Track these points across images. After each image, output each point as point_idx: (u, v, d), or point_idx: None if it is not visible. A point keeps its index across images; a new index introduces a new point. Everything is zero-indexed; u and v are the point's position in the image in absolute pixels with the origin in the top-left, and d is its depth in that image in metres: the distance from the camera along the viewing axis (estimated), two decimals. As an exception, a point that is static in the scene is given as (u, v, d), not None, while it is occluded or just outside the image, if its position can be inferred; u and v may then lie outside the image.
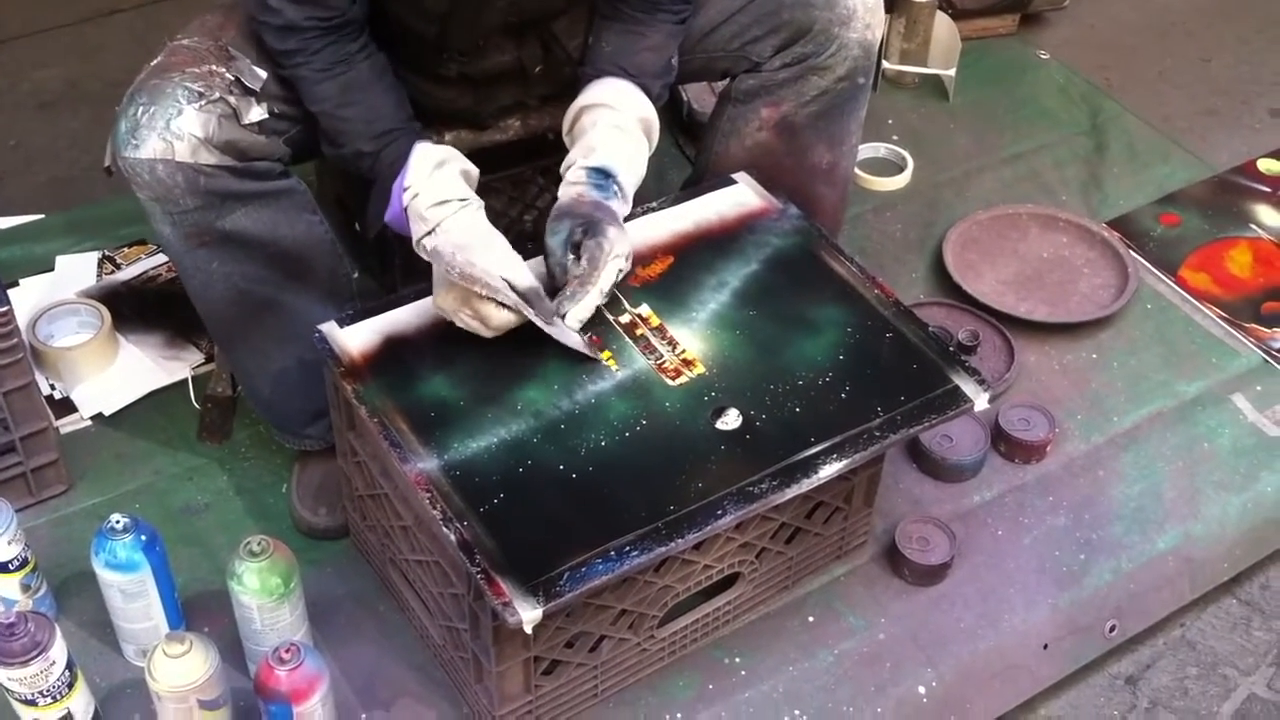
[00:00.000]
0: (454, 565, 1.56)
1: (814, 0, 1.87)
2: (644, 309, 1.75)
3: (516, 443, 1.59)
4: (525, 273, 1.65)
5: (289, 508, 1.93)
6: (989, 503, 2.00)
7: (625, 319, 1.73)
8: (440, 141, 1.79)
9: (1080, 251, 2.41)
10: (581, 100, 1.79)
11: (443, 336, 1.68)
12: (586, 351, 1.68)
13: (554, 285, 1.71)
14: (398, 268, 2.14)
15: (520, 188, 2.14)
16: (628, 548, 1.49)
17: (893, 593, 1.88)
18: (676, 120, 2.61)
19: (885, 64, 2.70)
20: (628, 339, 1.71)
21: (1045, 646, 1.87)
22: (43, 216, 2.43)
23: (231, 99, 1.66)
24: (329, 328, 1.69)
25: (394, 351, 1.68)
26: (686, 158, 2.58)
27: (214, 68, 1.68)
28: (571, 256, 1.70)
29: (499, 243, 1.66)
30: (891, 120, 2.69)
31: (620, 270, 1.72)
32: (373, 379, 1.64)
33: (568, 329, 1.68)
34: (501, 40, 1.82)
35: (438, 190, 1.65)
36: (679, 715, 1.73)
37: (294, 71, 1.69)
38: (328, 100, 1.69)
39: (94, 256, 2.33)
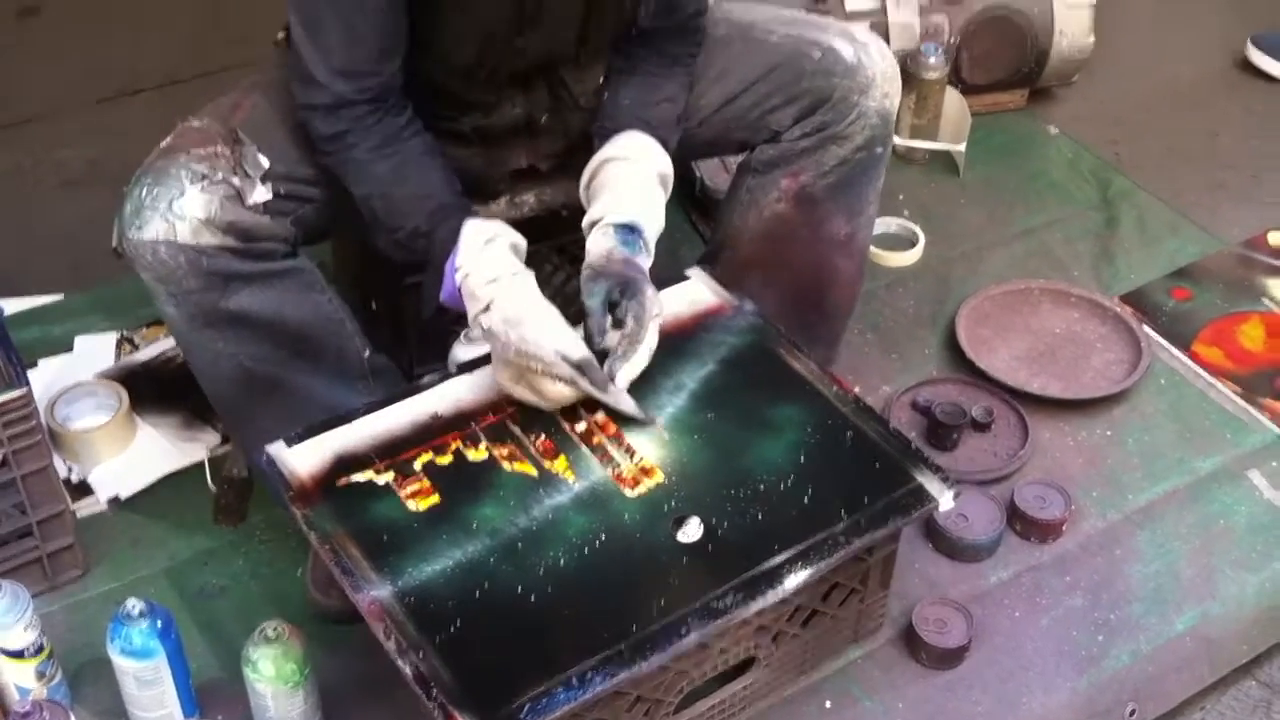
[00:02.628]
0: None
1: (834, 69, 1.90)
2: (600, 415, 1.74)
3: (472, 564, 1.57)
4: (578, 344, 1.66)
5: (304, 591, 1.93)
6: (1006, 583, 1.99)
7: (581, 427, 1.72)
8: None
9: (1093, 326, 2.41)
10: (602, 154, 1.81)
11: (394, 452, 1.68)
12: (640, 416, 1.70)
13: (593, 345, 1.71)
14: (413, 346, 2.15)
15: (534, 265, 2.15)
16: (590, 673, 1.47)
17: (910, 676, 1.86)
18: (690, 196, 2.63)
19: (896, 139, 2.71)
20: (584, 448, 1.70)
21: (1064, 730, 1.86)
22: (62, 297, 2.45)
23: (235, 180, 1.69)
24: (276, 449, 1.68)
25: (345, 471, 1.66)
26: (699, 234, 2.60)
27: (219, 149, 1.71)
28: (609, 318, 1.72)
29: (551, 314, 1.67)
30: (902, 195, 2.70)
31: (658, 327, 1.73)
32: (323, 501, 1.63)
33: (623, 395, 1.69)
34: (511, 92, 1.85)
35: (488, 268, 1.67)
36: (696, 803, 1.72)
37: (346, 155, 1.72)
38: (381, 181, 1.72)
39: (112, 337, 2.35)
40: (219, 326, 1.73)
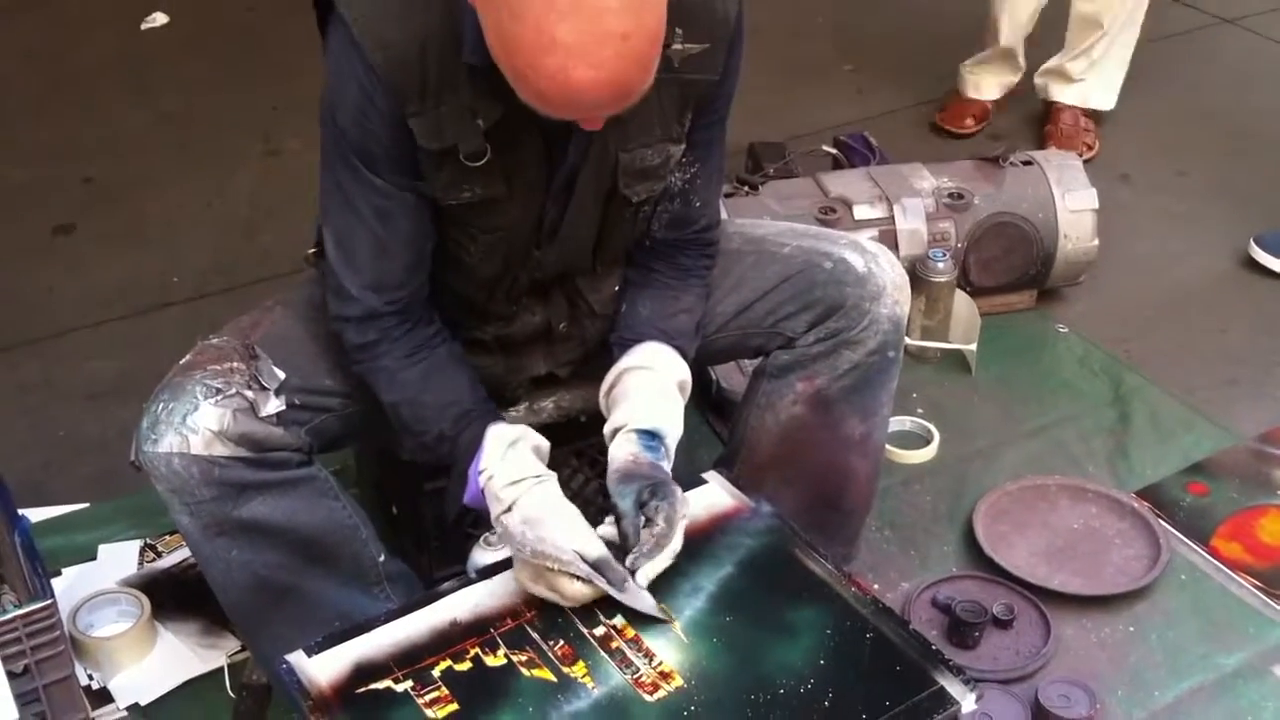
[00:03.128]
0: None
1: (845, 278, 1.95)
2: (618, 620, 1.73)
3: None
4: (596, 543, 1.69)
5: (323, 800, 1.91)
6: (1032, 784, 1.96)
7: (600, 631, 1.72)
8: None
9: (1110, 522, 2.42)
10: (622, 364, 1.85)
11: (413, 660, 1.68)
12: (658, 615, 1.70)
13: (626, 547, 1.72)
14: (432, 550, 2.17)
15: (554, 468, 2.18)
16: None
17: None
18: (706, 399, 2.68)
19: (908, 340, 2.76)
20: (603, 652, 1.70)
21: None
22: (88, 505, 2.49)
23: (249, 393, 1.75)
24: (296, 658, 1.68)
25: (364, 680, 1.65)
26: (717, 435, 2.63)
27: (235, 364, 1.77)
28: (641, 518, 1.73)
29: (571, 514, 1.70)
30: (916, 394, 2.74)
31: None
32: (342, 711, 1.62)
33: (641, 593, 1.70)
34: (530, 302, 1.91)
35: (511, 470, 1.71)
36: None
37: (376, 364, 1.78)
38: (410, 387, 1.78)
39: (136, 545, 2.38)
40: (232, 535, 1.77)
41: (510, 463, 1.71)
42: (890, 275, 1.97)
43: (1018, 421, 2.70)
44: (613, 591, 1.68)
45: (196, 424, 1.71)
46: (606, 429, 1.83)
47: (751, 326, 2.01)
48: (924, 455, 2.60)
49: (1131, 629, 2.22)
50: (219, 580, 1.83)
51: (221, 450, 1.72)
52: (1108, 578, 2.30)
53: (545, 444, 1.78)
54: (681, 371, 1.87)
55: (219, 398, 1.73)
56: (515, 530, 1.67)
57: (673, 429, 1.81)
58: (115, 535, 2.41)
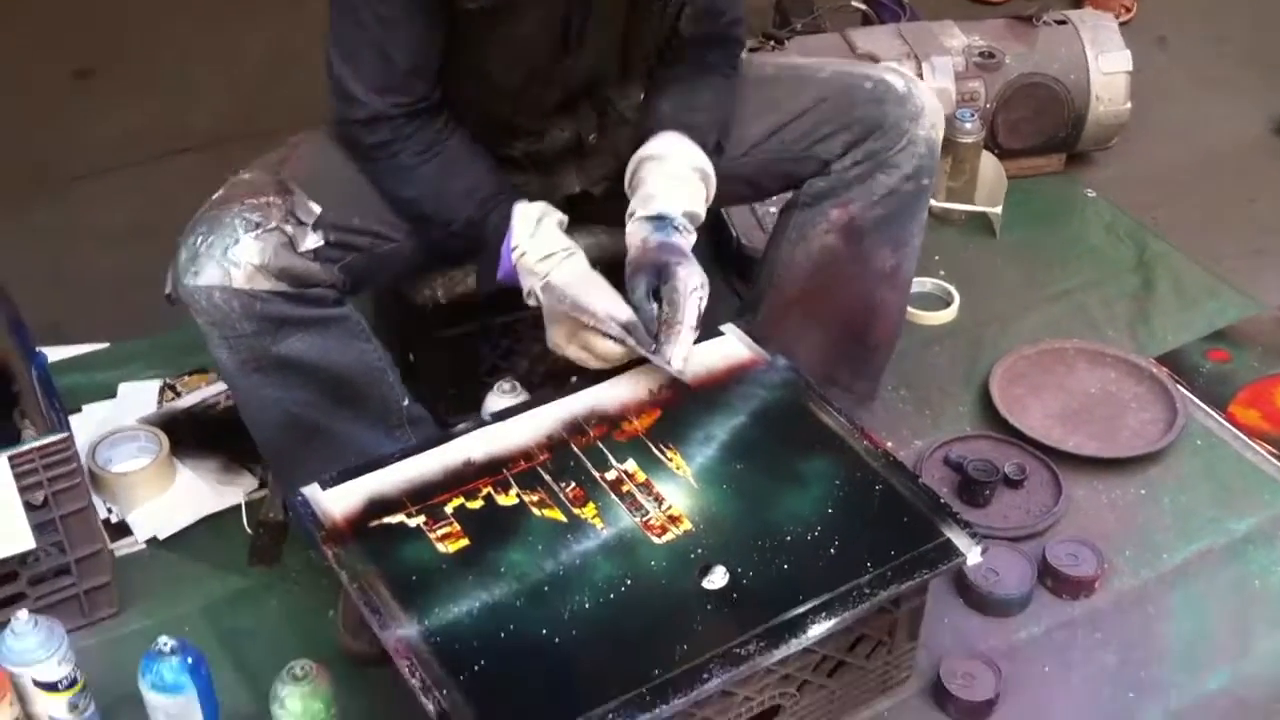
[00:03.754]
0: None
1: (885, 97, 1.96)
2: (630, 464, 1.76)
3: (499, 607, 1.58)
4: (626, 309, 1.76)
5: (335, 633, 1.94)
6: (1036, 639, 1.98)
7: (611, 475, 1.75)
8: None
9: (1128, 387, 2.41)
10: (639, 154, 1.88)
11: (426, 496, 1.70)
12: (683, 378, 1.79)
13: (644, 339, 1.79)
14: (448, 398, 2.18)
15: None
16: (610, 715, 1.48)
17: (938, 730, 1.86)
18: (726, 255, 2.66)
19: (932, 201, 2.73)
20: (613, 495, 1.72)
21: (1094, 788, 1.84)
22: (107, 345, 2.50)
23: (288, 228, 1.75)
24: (311, 491, 1.71)
25: (378, 514, 1.69)
26: (736, 295, 2.61)
27: (271, 199, 1.77)
28: (654, 306, 1.79)
29: (602, 283, 1.78)
30: (939, 256, 2.71)
31: (701, 299, 1.79)
32: (355, 542, 1.65)
33: (667, 356, 1.77)
34: (558, 117, 1.92)
35: (542, 245, 1.78)
36: None
37: (391, 162, 1.80)
38: (429, 181, 1.81)
39: (156, 384, 2.39)
40: (268, 371, 1.78)
41: (540, 239, 1.78)
42: (928, 99, 1.98)
43: (1040, 286, 2.67)
44: (642, 351, 1.75)
45: (238, 257, 1.71)
46: (626, 218, 1.86)
47: (785, 150, 2.00)
48: (944, 317, 2.58)
49: (1143, 492, 2.22)
50: (253, 416, 1.85)
51: (264, 284, 1.72)
52: (1122, 441, 2.30)
53: (565, 218, 1.83)
54: (698, 158, 1.87)
55: (259, 231, 1.73)
56: (558, 285, 1.74)
57: (683, 206, 1.83)
58: (135, 374, 2.42)
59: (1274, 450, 2.28)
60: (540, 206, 1.82)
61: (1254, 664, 1.95)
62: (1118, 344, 2.51)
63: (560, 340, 1.80)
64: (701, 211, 1.86)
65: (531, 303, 1.81)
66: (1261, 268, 2.74)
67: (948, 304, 2.60)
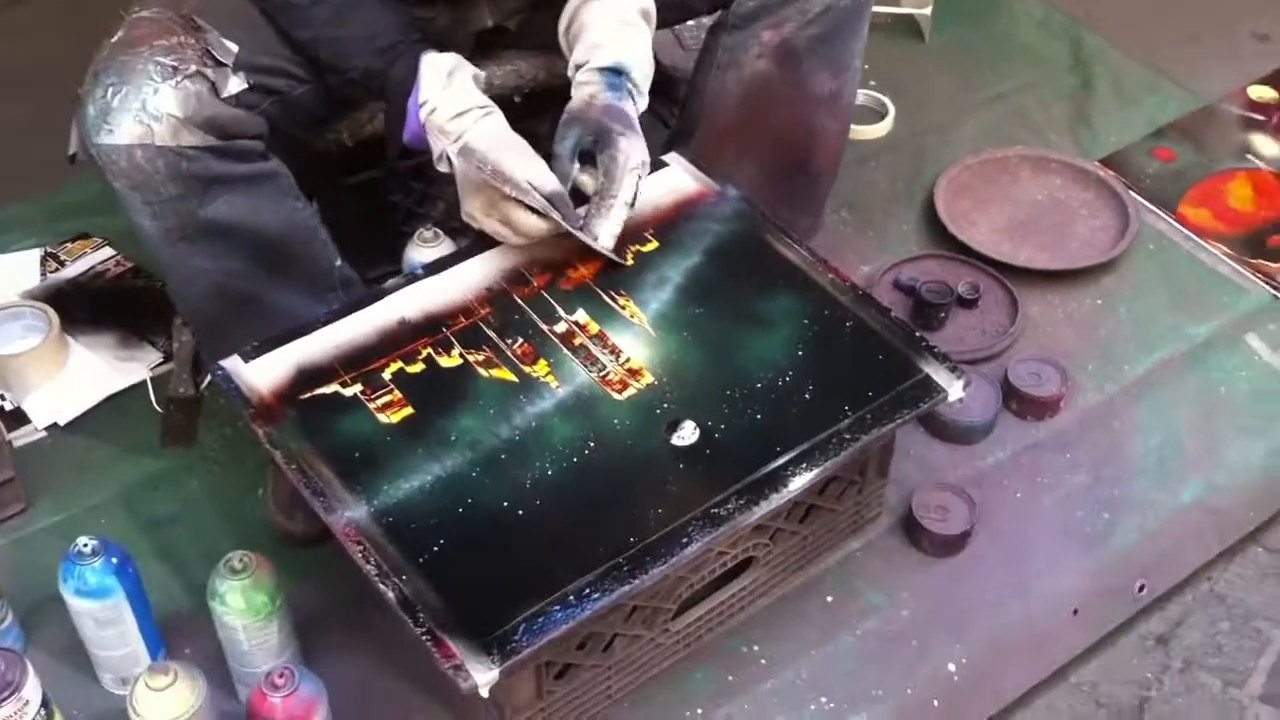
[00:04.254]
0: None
1: None
2: (580, 315, 1.62)
3: (453, 480, 1.45)
4: (550, 178, 1.58)
5: (266, 514, 1.81)
6: (1004, 463, 1.91)
7: (561, 328, 1.61)
8: None
9: (1075, 193, 2.31)
10: None
11: (361, 363, 1.56)
12: (615, 257, 1.63)
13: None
14: (363, 251, 2.00)
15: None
16: (587, 589, 1.37)
17: (912, 566, 1.78)
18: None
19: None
20: (565, 350, 1.59)
21: (1075, 612, 1.78)
22: (-26, 214, 2.29)
23: (208, 71, 1.56)
24: (232, 363, 1.56)
25: (309, 385, 1.54)
26: (657, 116, 2.45)
27: (182, 38, 1.56)
28: (578, 165, 1.63)
29: (523, 147, 1.60)
30: (867, 65, 2.50)
31: (640, 177, 1.63)
32: (286, 418, 1.51)
33: (594, 232, 1.62)
34: None
35: (455, 101, 1.59)
36: (699, 711, 1.63)
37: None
38: (322, 23, 1.61)
39: (36, 254, 2.19)
40: (195, 239, 1.61)
41: (452, 94, 1.60)
42: None
43: (975, 90, 2.56)
44: (567, 226, 1.58)
45: (159, 110, 1.51)
46: (569, 69, 1.69)
47: None
48: (879, 130, 2.45)
49: (1099, 303, 2.14)
50: (179, 289, 1.69)
51: (189, 139, 1.53)
52: (1074, 250, 2.21)
53: (482, 74, 1.65)
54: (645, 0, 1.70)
55: (178, 78, 1.52)
56: (477, 147, 1.57)
57: (640, 63, 1.67)
58: (11, 244, 2.21)
59: (1228, 250, 2.21)
60: (451, 58, 1.63)
61: (1225, 474, 1.90)
62: (1061, 148, 2.41)
63: (476, 212, 1.62)
64: (651, 71, 1.69)
65: (442, 168, 1.63)
66: (1198, 56, 2.65)
67: (881, 116, 2.47)
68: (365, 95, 1.71)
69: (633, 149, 1.62)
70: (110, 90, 1.52)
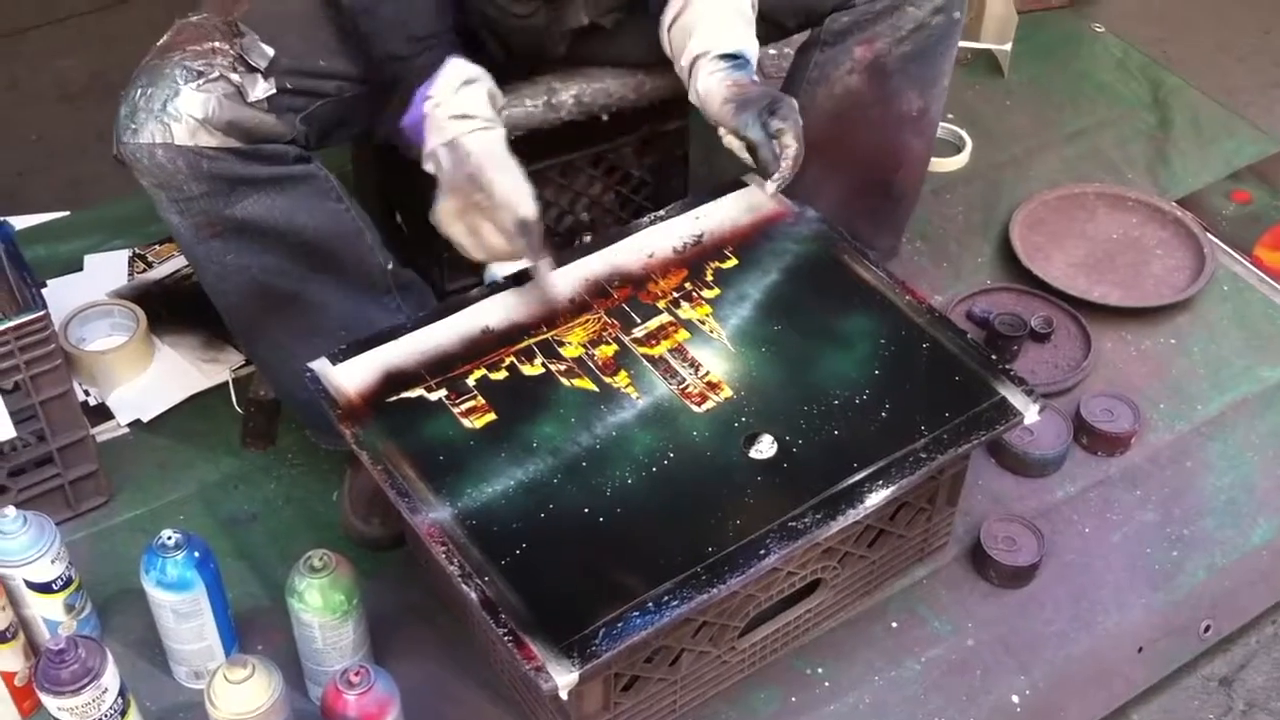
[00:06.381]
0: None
1: None
2: (660, 329, 1.65)
3: (535, 485, 1.47)
4: (531, 205, 1.58)
5: (340, 517, 1.83)
6: (1074, 498, 1.90)
7: (641, 341, 1.63)
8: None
9: (1151, 231, 2.31)
10: None
11: (445, 369, 1.58)
12: (561, 300, 1.65)
13: (771, 173, 1.64)
14: (444, 261, 2.04)
15: (570, 176, 2.05)
16: (666, 597, 1.39)
17: (978, 595, 1.78)
18: (723, 102, 2.51)
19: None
20: (645, 363, 1.60)
21: (1140, 650, 1.78)
22: (69, 214, 2.33)
23: (235, 76, 1.58)
24: (320, 365, 1.59)
25: (395, 388, 1.57)
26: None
27: (217, 44, 1.60)
28: (763, 133, 1.64)
29: (514, 168, 1.60)
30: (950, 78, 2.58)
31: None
32: (373, 420, 1.53)
33: (552, 278, 1.64)
34: None
35: (462, 105, 1.59)
36: (762, 730, 1.64)
37: None
38: None
39: (124, 255, 2.23)
40: (226, 237, 1.63)
41: (463, 98, 1.59)
42: None
43: (1053, 126, 2.56)
44: (529, 257, 1.60)
45: (179, 111, 1.54)
46: (684, 60, 1.71)
47: None
48: (955, 163, 2.46)
49: (1173, 341, 2.14)
50: (213, 286, 1.70)
51: (208, 140, 1.56)
52: (1149, 289, 2.21)
53: (500, 95, 1.65)
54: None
55: (201, 81, 1.56)
56: (463, 148, 1.56)
57: (751, 45, 1.71)
58: (101, 245, 2.26)
59: (1303, 294, 2.20)
60: (477, 69, 1.62)
61: (1298, 516, 1.89)
62: (1138, 186, 2.41)
63: (446, 215, 1.60)
64: (758, 46, 1.73)
65: (429, 167, 1.61)
66: (1277, 100, 2.64)
67: (959, 149, 2.48)
68: (384, 83, 1.67)
69: (795, 105, 1.65)
70: (139, 92, 1.56)
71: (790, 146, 1.63)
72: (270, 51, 1.61)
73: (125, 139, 1.56)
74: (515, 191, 1.58)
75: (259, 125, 1.60)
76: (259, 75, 1.60)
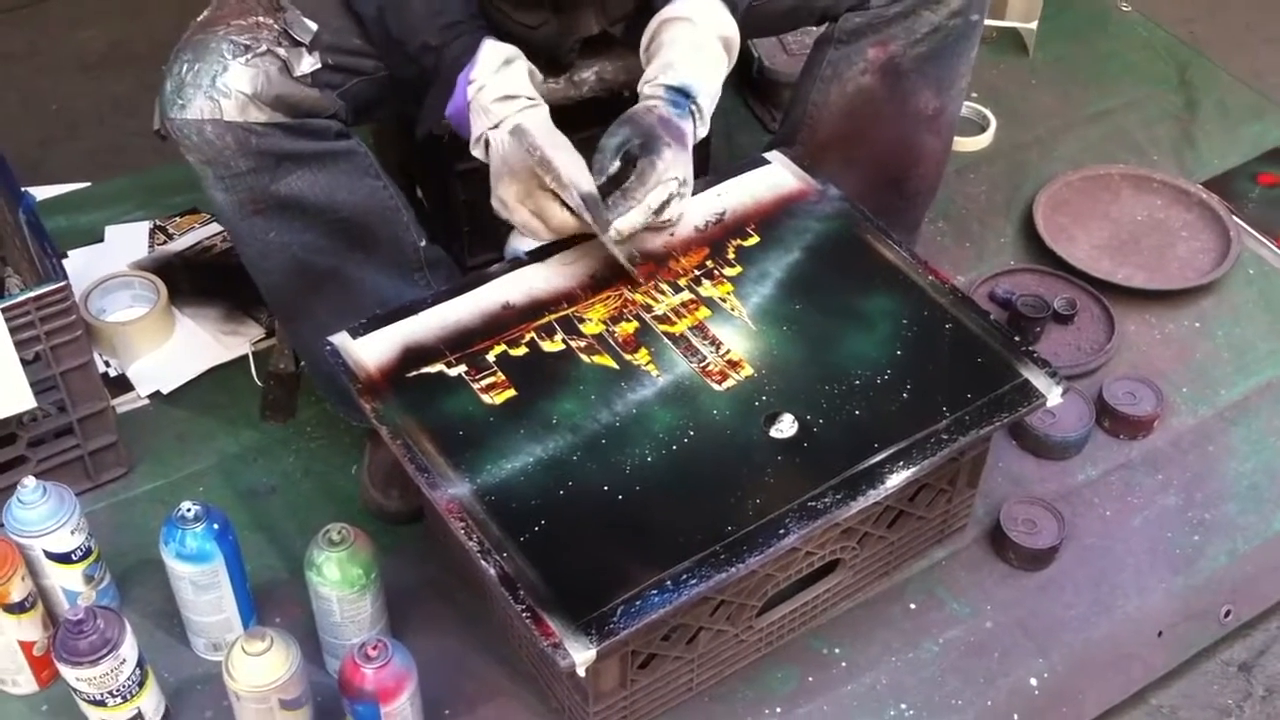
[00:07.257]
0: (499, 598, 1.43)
1: None
2: (681, 306, 1.64)
3: (554, 462, 1.47)
4: (588, 179, 1.58)
5: (360, 490, 1.84)
6: (1095, 481, 1.89)
7: (661, 318, 1.62)
8: None
9: (1176, 214, 2.29)
10: (663, 14, 1.68)
11: (465, 344, 1.57)
12: (631, 270, 1.63)
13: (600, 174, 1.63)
14: (465, 235, 2.04)
15: (592, 151, 2.03)
16: (685, 575, 1.38)
17: (997, 577, 1.78)
18: (746, 79, 2.50)
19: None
20: (666, 340, 1.60)
21: (1160, 634, 1.77)
22: (89, 185, 2.34)
23: (281, 51, 1.57)
24: (340, 339, 1.58)
25: (415, 363, 1.56)
26: (757, 119, 2.47)
27: (261, 19, 1.59)
28: (616, 163, 1.62)
29: (567, 144, 1.59)
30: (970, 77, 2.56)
31: (673, 195, 1.62)
32: (393, 395, 1.53)
33: (619, 246, 1.62)
34: None
35: (505, 86, 1.58)
36: (778, 710, 1.63)
37: None
38: None
39: (145, 226, 2.23)
40: (269, 214, 1.63)
41: (505, 78, 1.59)
42: None
43: (1078, 106, 2.54)
44: (596, 230, 1.58)
45: (228, 87, 1.54)
46: (640, 83, 1.68)
47: None
48: (979, 142, 2.44)
49: (1197, 325, 2.12)
50: (255, 262, 1.70)
51: (257, 116, 1.55)
52: (1173, 272, 2.19)
53: (539, 73, 1.65)
54: (726, 26, 1.68)
55: (249, 56, 1.55)
56: (529, 131, 1.55)
57: (706, 86, 1.66)
58: (122, 216, 2.26)
59: (1330, 279, 2.18)
60: (512, 49, 1.62)
61: (1320, 502, 1.88)
62: (1163, 168, 2.39)
63: (510, 198, 1.60)
64: (717, 96, 1.68)
65: (478, 152, 1.61)
66: (1304, 84, 2.61)
67: (983, 128, 2.46)
68: (417, 73, 1.67)
69: (675, 162, 1.61)
70: (185, 67, 1.55)
71: (628, 181, 1.60)
72: (313, 26, 1.60)
73: (172, 114, 1.55)
74: (576, 167, 1.57)
75: (305, 100, 1.60)
76: (304, 49, 1.59)
